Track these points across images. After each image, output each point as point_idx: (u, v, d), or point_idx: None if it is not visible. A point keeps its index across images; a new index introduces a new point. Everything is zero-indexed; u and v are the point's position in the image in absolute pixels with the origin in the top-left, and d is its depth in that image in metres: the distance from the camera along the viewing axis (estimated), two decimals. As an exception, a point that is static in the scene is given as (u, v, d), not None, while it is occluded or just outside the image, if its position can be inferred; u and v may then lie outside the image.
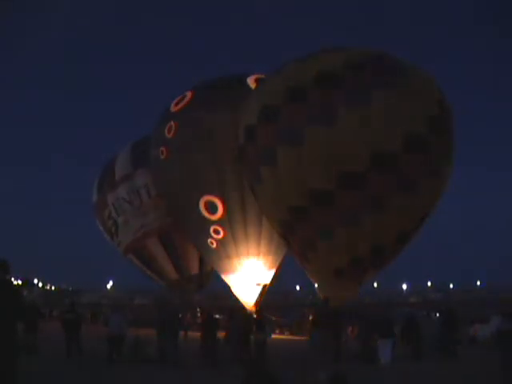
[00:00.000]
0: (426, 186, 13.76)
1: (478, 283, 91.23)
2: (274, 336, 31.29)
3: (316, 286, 15.93)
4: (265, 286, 21.20)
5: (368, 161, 12.89)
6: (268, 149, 14.02)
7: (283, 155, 13.70)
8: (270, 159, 13.99)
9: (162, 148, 20.19)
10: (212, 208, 19.63)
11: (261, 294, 21.12)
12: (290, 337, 34.51)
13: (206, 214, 19.74)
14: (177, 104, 20.71)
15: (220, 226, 19.79)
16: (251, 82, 20.64)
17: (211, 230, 19.93)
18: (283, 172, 13.84)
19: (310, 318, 31.35)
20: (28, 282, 78.25)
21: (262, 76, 20.79)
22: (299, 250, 15.06)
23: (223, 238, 19.92)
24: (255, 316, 17.76)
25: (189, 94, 20.74)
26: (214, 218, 19.74)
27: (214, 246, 20.19)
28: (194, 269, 26.27)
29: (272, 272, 21.23)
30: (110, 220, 26.94)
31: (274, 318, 38.46)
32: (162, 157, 20.16)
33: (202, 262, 25.27)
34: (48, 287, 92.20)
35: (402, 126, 13.09)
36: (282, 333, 36.91)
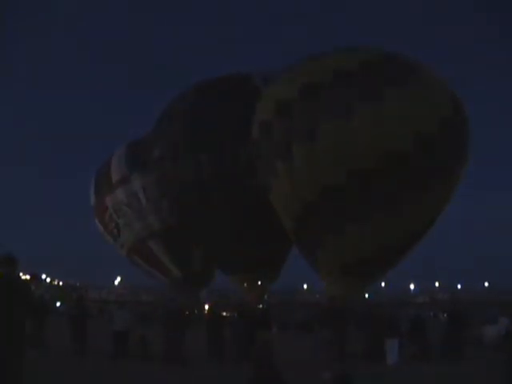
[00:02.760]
0: (437, 187, 13.73)
1: (486, 284, 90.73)
2: (279, 334, 31.26)
3: (323, 284, 15.93)
4: (269, 284, 21.24)
5: (380, 159, 12.90)
6: (283, 144, 14.04)
7: (298, 151, 13.72)
8: (286, 154, 14.00)
9: (168, 147, 20.20)
10: (222, 208, 19.77)
11: (268, 292, 21.17)
12: (295, 335, 34.46)
13: (216, 214, 19.99)
14: (180, 103, 20.59)
15: (229, 226, 19.87)
16: (259, 81, 20.60)
17: (220, 229, 20.00)
18: (297, 167, 13.86)
19: (316, 316, 31.37)
20: (36, 277, 78.51)
21: (269, 75, 20.80)
22: (309, 245, 15.09)
23: (232, 238, 19.99)
24: (261, 314, 17.74)
25: (192, 93, 20.62)
26: (224, 218, 19.84)
27: (221, 244, 20.23)
28: (198, 267, 26.36)
29: (278, 268, 21.25)
30: (111, 222, 27.07)
31: (279, 317, 38.44)
32: (168, 157, 20.18)
33: (205, 260, 25.37)
34: (56, 282, 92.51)
35: (414, 125, 13.09)
36: (287, 331, 36.86)
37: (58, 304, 46.27)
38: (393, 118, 12.98)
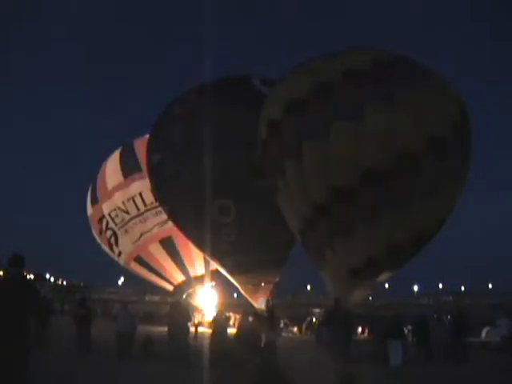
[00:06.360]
0: (447, 190, 13.74)
1: (490, 286, 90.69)
2: (283, 336, 31.31)
3: (328, 286, 15.88)
4: (274, 285, 21.22)
5: (392, 160, 12.89)
6: (293, 144, 13.98)
7: (308, 150, 13.66)
8: (295, 154, 13.94)
9: (168, 153, 19.92)
10: (225, 211, 19.54)
11: (272, 294, 21.13)
12: (299, 337, 34.52)
13: (218, 217, 19.65)
14: (179, 106, 20.44)
15: (233, 228, 19.72)
16: (256, 81, 20.55)
17: (223, 232, 19.84)
18: (307, 167, 13.80)
19: (320, 318, 31.43)
20: (40, 277, 78.77)
21: (268, 77, 20.75)
22: (316, 247, 15.00)
23: (235, 240, 19.86)
24: (266, 315, 17.77)
25: (192, 96, 20.50)
26: (227, 221, 19.65)
27: (225, 248, 20.15)
28: (199, 270, 26.31)
29: (281, 269, 21.23)
30: (108, 231, 26.85)
31: (284, 321, 38.43)
32: (168, 161, 19.89)
33: (206, 262, 25.32)
34: (59, 282, 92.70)
35: (427, 128, 13.09)
36: (291, 333, 36.92)
37: (63, 304, 46.23)
38: (406, 119, 12.96)
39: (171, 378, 12.39)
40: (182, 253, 25.63)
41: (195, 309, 30.36)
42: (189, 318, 16.42)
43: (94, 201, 27.67)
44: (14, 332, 6.42)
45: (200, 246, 22.19)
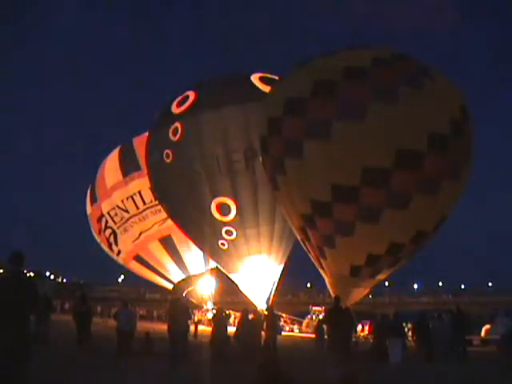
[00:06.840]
0: (447, 188, 13.73)
1: (490, 284, 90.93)
2: (283, 333, 31.32)
3: (327, 284, 15.86)
4: (274, 283, 21.21)
5: (393, 158, 12.88)
6: (294, 142, 13.95)
7: (310, 149, 13.63)
8: (296, 152, 13.91)
9: (168, 151, 19.76)
10: (225, 210, 19.48)
11: (272, 292, 21.11)
12: (299, 335, 34.51)
13: (218, 216, 19.58)
14: (179, 105, 20.32)
15: (233, 227, 19.68)
16: (255, 79, 20.51)
17: (223, 231, 19.79)
18: (309, 165, 13.78)
19: (320, 316, 31.39)
20: (40, 275, 78.90)
21: (267, 74, 20.72)
22: (317, 245, 14.99)
23: (236, 238, 19.81)
24: (266, 313, 17.76)
25: (191, 94, 20.39)
26: (227, 219, 19.59)
27: (226, 246, 20.09)
28: (199, 268, 26.29)
29: (281, 267, 21.23)
30: (107, 229, 26.79)
31: (284, 316, 38.43)
32: (168, 160, 19.73)
33: (206, 260, 25.32)
34: (59, 280, 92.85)
35: (428, 125, 13.08)
36: (291, 331, 36.91)
37: (63, 302, 46.24)
38: (407, 117, 12.97)
39: (171, 375, 12.37)
40: (182, 251, 25.59)
41: (195, 307, 30.35)
42: (188, 315, 16.34)
43: (93, 200, 27.61)
44: (13, 329, 6.41)
45: (199, 244, 22.16)
